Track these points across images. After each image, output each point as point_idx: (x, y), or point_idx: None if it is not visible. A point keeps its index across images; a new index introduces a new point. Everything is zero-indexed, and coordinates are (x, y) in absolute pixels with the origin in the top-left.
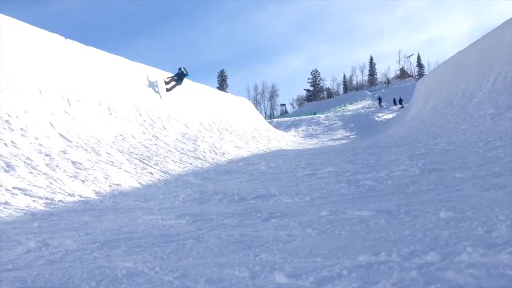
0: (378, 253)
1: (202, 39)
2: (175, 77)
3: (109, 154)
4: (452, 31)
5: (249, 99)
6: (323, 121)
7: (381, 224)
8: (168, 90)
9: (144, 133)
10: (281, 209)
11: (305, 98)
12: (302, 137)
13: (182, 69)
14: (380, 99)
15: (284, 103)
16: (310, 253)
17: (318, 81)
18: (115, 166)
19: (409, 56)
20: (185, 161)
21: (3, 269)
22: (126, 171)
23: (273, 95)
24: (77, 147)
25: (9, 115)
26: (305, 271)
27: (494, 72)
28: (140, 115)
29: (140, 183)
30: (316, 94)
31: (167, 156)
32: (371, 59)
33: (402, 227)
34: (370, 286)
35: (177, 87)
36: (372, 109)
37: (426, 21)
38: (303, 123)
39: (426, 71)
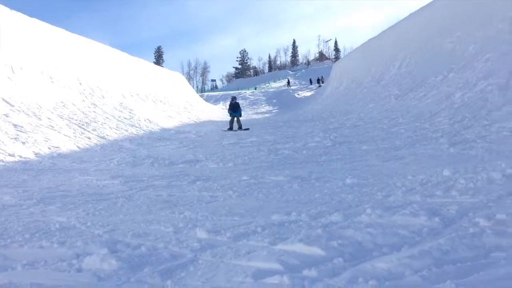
0: (289, 213)
1: (141, 16)
2: (231, 113)
3: (49, 119)
4: (366, 21)
5: (183, 74)
6: (249, 96)
7: (294, 188)
8: (240, 128)
9: (84, 101)
10: (206, 173)
11: (234, 75)
12: None
13: (233, 100)
14: (288, 81)
15: (214, 79)
16: (229, 212)
17: (246, 60)
18: (55, 130)
19: (328, 41)
20: (121, 128)
21: None
22: (65, 135)
23: (204, 71)
24: (19, 111)
25: None
26: (223, 228)
27: (399, 58)
28: (81, 85)
29: (78, 147)
30: (244, 72)
31: (104, 123)
32: (294, 42)
33: (313, 191)
34: (280, 241)
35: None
36: (294, 87)
37: (344, 9)
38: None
39: (342, 55)
